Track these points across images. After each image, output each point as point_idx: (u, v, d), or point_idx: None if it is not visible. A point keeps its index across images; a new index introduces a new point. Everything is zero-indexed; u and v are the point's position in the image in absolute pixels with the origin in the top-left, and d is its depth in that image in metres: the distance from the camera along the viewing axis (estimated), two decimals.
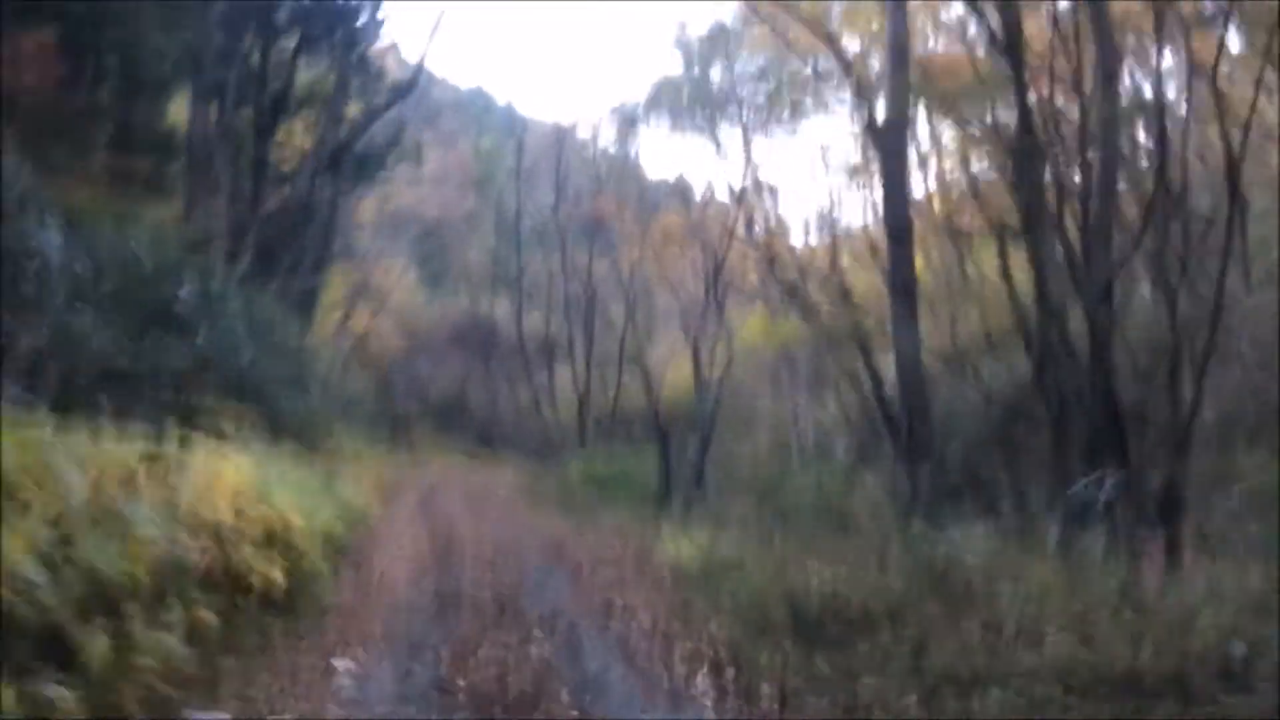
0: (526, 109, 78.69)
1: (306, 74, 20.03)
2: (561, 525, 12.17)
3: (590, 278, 29.99)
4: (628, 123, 31.51)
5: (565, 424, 30.51)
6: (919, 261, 23.46)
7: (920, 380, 10.60)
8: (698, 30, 28.80)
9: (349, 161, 19.22)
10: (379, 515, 11.85)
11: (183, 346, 9.23)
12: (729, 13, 28.54)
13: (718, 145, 28.00)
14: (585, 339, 30.07)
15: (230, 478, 5.49)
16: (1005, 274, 10.64)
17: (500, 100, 68.39)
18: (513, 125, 49.38)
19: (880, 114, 11.54)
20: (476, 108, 61.60)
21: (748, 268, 29.50)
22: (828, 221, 29.63)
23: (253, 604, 5.20)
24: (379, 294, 34.27)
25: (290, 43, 18.46)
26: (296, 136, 20.44)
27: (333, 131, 18.32)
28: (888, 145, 10.87)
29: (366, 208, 31.11)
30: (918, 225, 23.88)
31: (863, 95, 12.02)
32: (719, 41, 27.75)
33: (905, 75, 10.95)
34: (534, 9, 76.83)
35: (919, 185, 25.38)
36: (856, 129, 26.64)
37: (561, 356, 35.96)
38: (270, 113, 18.00)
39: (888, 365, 28.44)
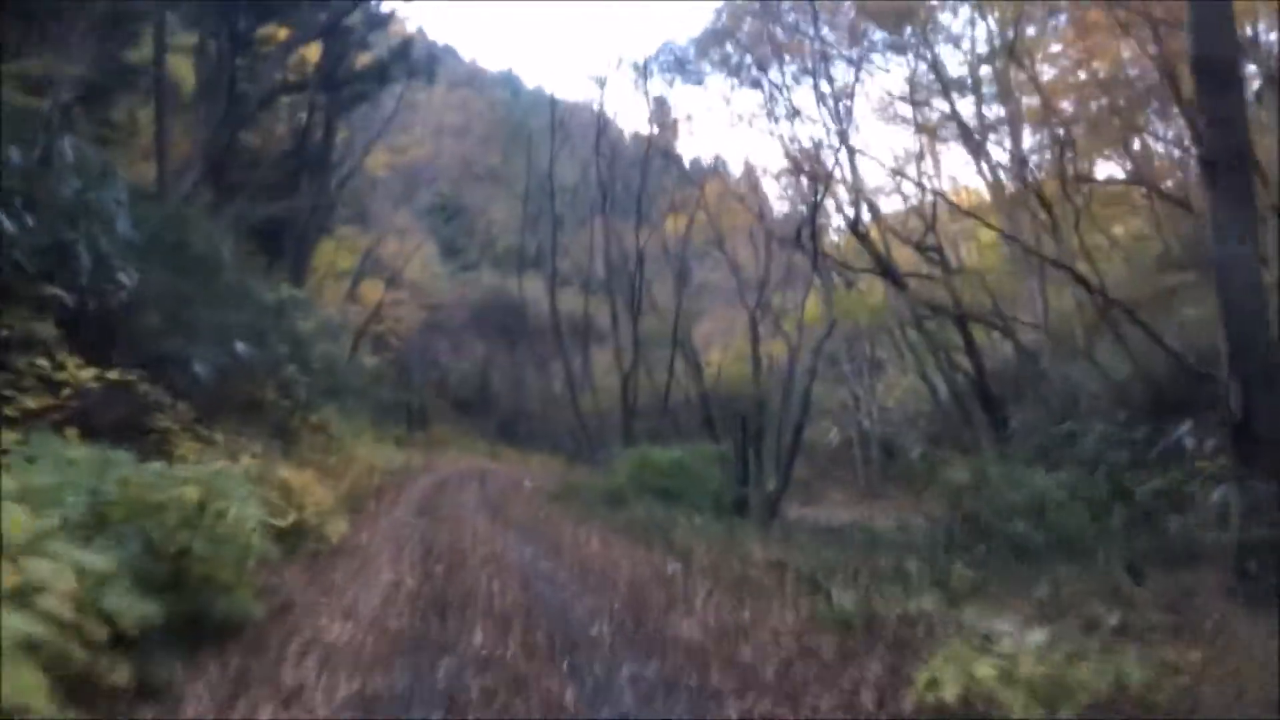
0: (559, 93, 74.36)
1: None
2: (626, 554, 7.87)
3: (637, 240, 25.35)
4: (677, 65, 26.97)
5: (604, 412, 26.15)
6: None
7: (1263, 329, 6.15)
8: None
9: (343, 69, 14.93)
10: (342, 538, 7.63)
11: None
12: None
13: (781, 90, 23.49)
14: (630, 315, 25.53)
15: None
16: None
17: (530, 84, 64.85)
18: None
19: None
20: (506, 89, 58.59)
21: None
22: (917, 180, 25.11)
23: None
24: (392, 262, 30.20)
25: None
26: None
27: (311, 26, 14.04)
28: None
29: (378, 161, 27.02)
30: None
31: None
32: None
33: None
34: None
35: None
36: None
37: (596, 339, 31.75)
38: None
39: (988, 345, 24.41)
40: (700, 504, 13.37)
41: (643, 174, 25.98)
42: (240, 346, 7.87)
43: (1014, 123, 24.20)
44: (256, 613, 4.53)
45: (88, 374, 5.94)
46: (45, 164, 6.13)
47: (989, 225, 17.61)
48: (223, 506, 4.46)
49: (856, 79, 19.28)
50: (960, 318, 21.08)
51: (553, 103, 31.15)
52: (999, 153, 25.80)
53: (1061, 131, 20.04)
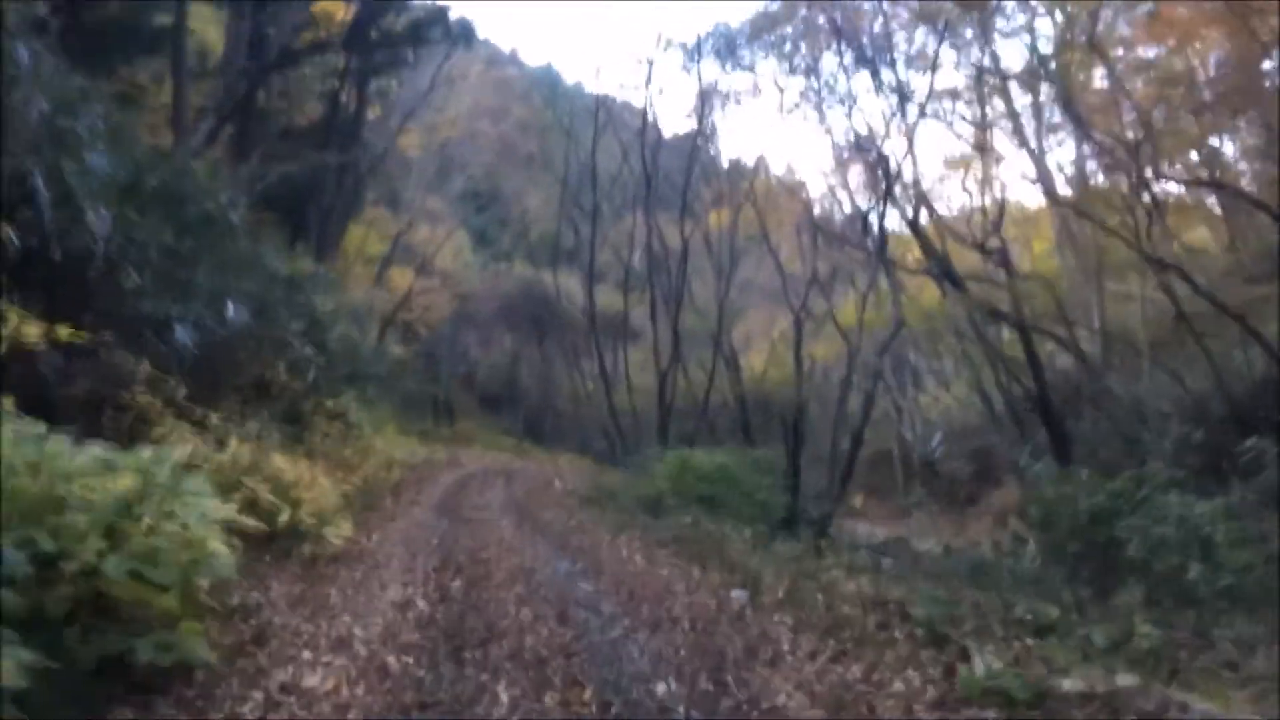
0: (600, 89, 73.00)
1: None
2: (679, 575, 6.59)
3: (681, 233, 23.90)
4: (728, 49, 25.62)
5: (638, 413, 24.83)
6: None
7: None
8: None
9: (377, 30, 13.81)
10: (346, 542, 6.43)
11: None
12: None
13: (847, 73, 22.09)
14: (669, 311, 24.12)
15: None
16: None
17: (569, 80, 63.95)
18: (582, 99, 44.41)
19: None
20: (545, 84, 57.75)
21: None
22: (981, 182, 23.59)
23: None
24: (423, 249, 29.15)
25: None
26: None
27: None
28: None
29: (411, 141, 25.99)
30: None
31: None
32: None
33: None
34: None
35: None
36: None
37: (630, 335, 30.49)
38: None
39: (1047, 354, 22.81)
40: (748, 515, 12.09)
41: (689, 163, 24.64)
42: (231, 310, 6.70)
43: (1079, 124, 22.66)
44: (202, 653, 3.30)
45: (34, 330, 4.80)
46: None
47: (1108, 228, 15.68)
48: (165, 505, 3.26)
49: (933, 66, 17.75)
50: (1021, 325, 19.65)
51: (596, 92, 29.99)
52: (1059, 156, 24.35)
53: (1132, 134, 18.53)
